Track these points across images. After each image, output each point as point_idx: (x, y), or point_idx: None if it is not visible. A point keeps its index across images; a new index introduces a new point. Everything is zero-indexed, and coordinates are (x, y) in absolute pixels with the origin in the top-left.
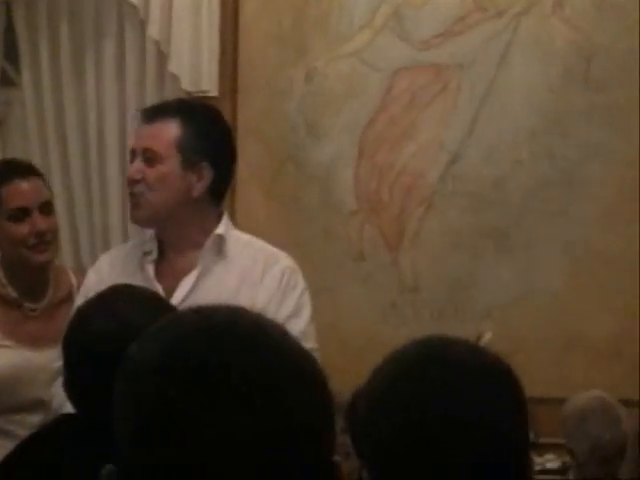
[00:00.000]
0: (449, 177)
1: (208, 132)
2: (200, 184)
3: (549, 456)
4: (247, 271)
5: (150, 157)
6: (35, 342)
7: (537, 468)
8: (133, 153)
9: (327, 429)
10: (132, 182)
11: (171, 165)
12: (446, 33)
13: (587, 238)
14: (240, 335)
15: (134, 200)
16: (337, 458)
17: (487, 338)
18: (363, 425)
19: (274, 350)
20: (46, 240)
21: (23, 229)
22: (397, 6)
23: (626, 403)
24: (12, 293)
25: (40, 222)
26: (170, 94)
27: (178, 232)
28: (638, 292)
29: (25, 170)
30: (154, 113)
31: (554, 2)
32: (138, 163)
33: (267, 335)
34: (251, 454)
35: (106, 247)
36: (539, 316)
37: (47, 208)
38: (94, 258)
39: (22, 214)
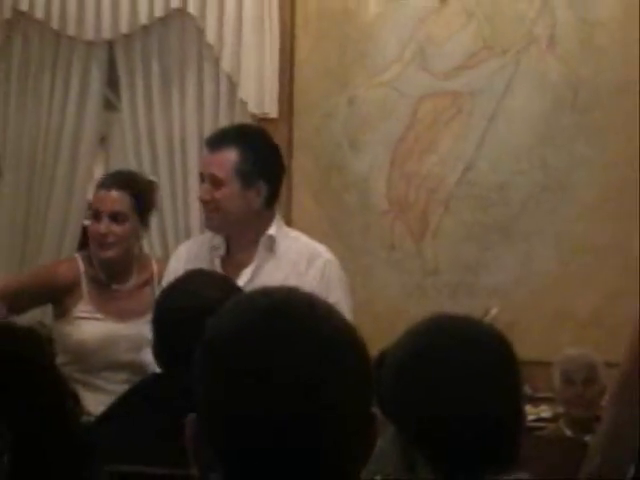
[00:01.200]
0: (463, 183)
1: (262, 155)
2: (258, 198)
3: (543, 407)
4: (294, 264)
5: (215, 181)
6: (120, 316)
7: (533, 418)
8: (202, 176)
9: (369, 385)
10: (203, 201)
11: (232, 188)
12: (461, 66)
13: (574, 232)
14: (297, 306)
15: (207, 214)
16: (375, 410)
17: (493, 313)
18: (390, 388)
19: (325, 317)
20: (107, 242)
21: (94, 228)
22: (422, 44)
23: (608, 365)
24: (102, 276)
25: (104, 227)
26: (239, 116)
27: (240, 234)
28: (616, 274)
29: (112, 182)
30: (216, 142)
31: (548, 43)
32: (206, 186)
33: (318, 306)
34: (312, 400)
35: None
36: (535, 294)
37: (116, 217)
38: None
39: (96, 216)
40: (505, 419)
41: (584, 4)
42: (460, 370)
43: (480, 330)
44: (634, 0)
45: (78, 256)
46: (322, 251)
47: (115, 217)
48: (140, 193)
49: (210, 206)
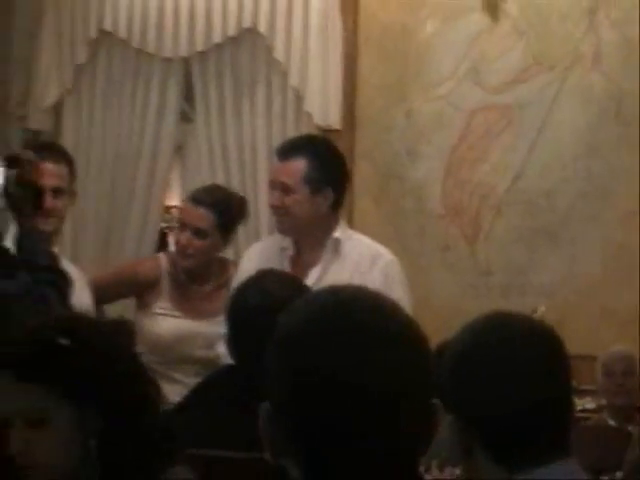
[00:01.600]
0: (513, 190)
1: (328, 164)
2: (325, 204)
3: (587, 399)
4: (357, 264)
5: (285, 188)
6: (197, 315)
7: (578, 409)
8: (272, 184)
9: (430, 377)
10: (273, 207)
11: (301, 194)
12: (511, 81)
13: (615, 236)
14: (364, 303)
15: (277, 219)
16: (436, 401)
17: (541, 311)
18: (449, 380)
19: (390, 314)
20: (187, 253)
21: (178, 237)
22: (475, 61)
23: None
24: (182, 277)
25: (186, 239)
26: (305, 127)
27: (308, 236)
28: None
29: (201, 199)
30: (286, 152)
31: (593, 59)
32: (276, 193)
33: (384, 303)
34: (380, 393)
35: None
36: (580, 294)
37: (198, 232)
38: None
39: (181, 227)
40: (559, 409)
41: (626, 24)
42: (516, 363)
43: (534, 326)
44: None
45: (162, 255)
46: (384, 252)
47: (197, 232)
48: (226, 212)
49: (280, 211)
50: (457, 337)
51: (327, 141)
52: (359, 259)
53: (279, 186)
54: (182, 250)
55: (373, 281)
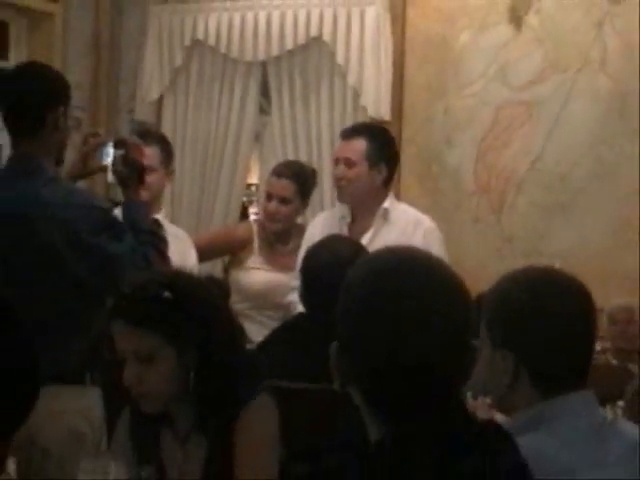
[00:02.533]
0: (533, 171)
1: (383, 145)
2: (379, 178)
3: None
4: (403, 230)
5: (348, 163)
6: (282, 268)
7: None
8: (337, 160)
9: (472, 320)
10: (337, 179)
11: (362, 168)
12: (532, 82)
13: (620, 211)
14: (418, 258)
15: (339, 190)
16: (474, 341)
17: (557, 267)
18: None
19: (440, 266)
20: (275, 218)
21: (266, 206)
22: (501, 65)
23: None
24: (270, 238)
25: (273, 207)
26: (361, 119)
27: (363, 206)
28: None
29: (283, 171)
30: (350, 133)
31: (600, 63)
32: (341, 167)
33: (433, 258)
34: (435, 332)
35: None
36: (589, 257)
37: (283, 200)
38: None
39: (269, 197)
40: (587, 351)
41: (629, 33)
42: (565, 313)
43: (573, 280)
44: None
45: (253, 221)
46: (425, 219)
47: (283, 200)
48: (304, 181)
49: (342, 182)
50: (508, 287)
51: (383, 127)
52: (404, 225)
53: (343, 161)
54: (271, 216)
55: (416, 243)
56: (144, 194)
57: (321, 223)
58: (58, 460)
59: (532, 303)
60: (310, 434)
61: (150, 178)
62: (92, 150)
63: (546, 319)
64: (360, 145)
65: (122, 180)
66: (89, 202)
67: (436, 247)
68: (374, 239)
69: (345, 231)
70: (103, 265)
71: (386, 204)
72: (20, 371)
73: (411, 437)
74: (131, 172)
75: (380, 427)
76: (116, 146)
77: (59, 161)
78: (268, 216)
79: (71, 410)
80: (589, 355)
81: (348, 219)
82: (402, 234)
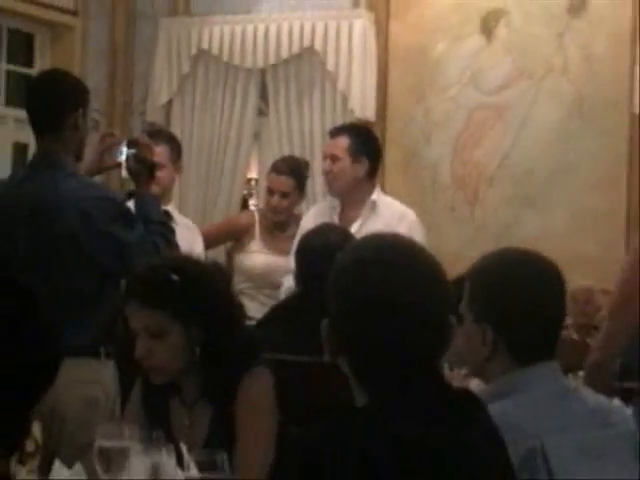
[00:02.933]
0: (502, 167)
1: (365, 141)
2: (362, 170)
3: None
4: (388, 221)
5: (333, 158)
6: (280, 252)
7: None
8: (324, 156)
9: (450, 299)
10: (325, 173)
11: (345, 162)
12: (501, 86)
13: (579, 201)
14: (402, 244)
15: (328, 182)
16: (452, 317)
17: None
18: (490, 299)
19: (422, 251)
20: (277, 211)
21: (269, 201)
22: (474, 72)
23: (603, 291)
24: (270, 225)
25: (276, 201)
26: (349, 119)
27: (351, 197)
28: (609, 229)
29: (281, 169)
30: (335, 132)
31: (562, 70)
32: (328, 162)
33: (416, 244)
34: (420, 308)
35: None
36: (553, 243)
37: (284, 195)
38: None
39: (270, 192)
40: (558, 324)
41: (586, 44)
42: (526, 280)
43: (547, 261)
44: (622, 39)
45: (254, 210)
46: (409, 213)
47: (283, 195)
48: (300, 175)
49: (330, 176)
50: (488, 266)
51: (365, 126)
52: (390, 217)
53: (329, 157)
54: (274, 209)
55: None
56: (155, 188)
57: (314, 213)
58: (76, 425)
59: (509, 280)
60: (303, 401)
61: (160, 174)
62: (108, 149)
63: (522, 294)
64: (343, 142)
65: (134, 176)
66: (104, 194)
67: (419, 238)
68: (362, 228)
69: (336, 220)
70: (116, 250)
71: (374, 196)
72: (43, 350)
73: (394, 403)
74: (142, 168)
75: (365, 394)
76: (129, 145)
77: (78, 158)
78: (271, 209)
79: (87, 380)
80: (559, 327)
81: (338, 209)
82: (387, 225)
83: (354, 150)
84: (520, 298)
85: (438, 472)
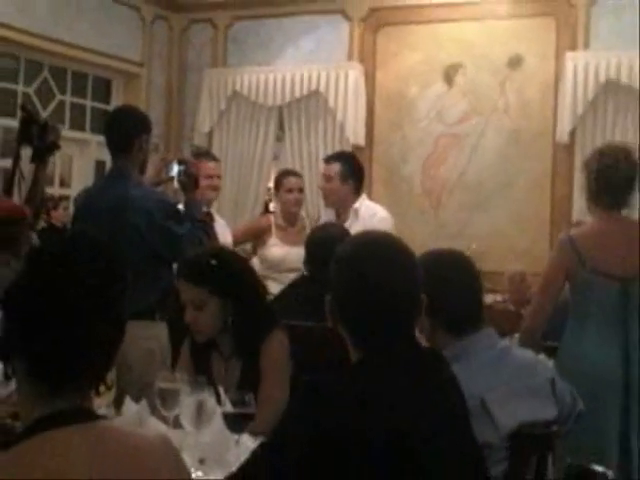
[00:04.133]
0: (459, 181)
1: (352, 166)
2: (349, 189)
3: (497, 295)
4: (365, 221)
5: (327, 179)
6: (292, 243)
7: (494, 300)
8: (322, 177)
9: (419, 281)
10: (322, 189)
11: (336, 182)
12: (459, 120)
13: (517, 207)
14: (386, 238)
15: (324, 196)
16: (423, 296)
17: (472, 248)
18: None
19: (400, 241)
20: (297, 203)
21: (288, 197)
22: (439, 109)
23: (534, 274)
24: (283, 224)
25: (293, 196)
26: (345, 145)
27: (341, 207)
28: (535, 228)
29: (298, 174)
30: (328, 159)
31: (504, 109)
32: (324, 181)
33: (395, 237)
34: (402, 288)
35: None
36: (497, 239)
37: (301, 190)
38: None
39: (290, 190)
40: (480, 302)
41: (521, 90)
42: (453, 270)
43: (464, 257)
44: (548, 86)
45: (269, 215)
46: (380, 211)
47: (300, 190)
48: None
49: (325, 192)
50: (427, 263)
51: (352, 154)
52: (366, 217)
53: (325, 177)
54: (295, 202)
55: (372, 227)
56: (212, 194)
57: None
58: (138, 373)
59: (437, 273)
60: (311, 356)
61: (218, 182)
62: (164, 166)
63: (449, 282)
64: (336, 167)
65: (183, 186)
66: (162, 198)
67: (387, 229)
68: (349, 229)
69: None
70: (170, 241)
71: (356, 205)
72: (123, 309)
73: (381, 358)
74: (189, 181)
75: (359, 352)
76: (179, 163)
77: (142, 171)
78: (293, 202)
79: (147, 336)
80: (480, 304)
81: (333, 217)
82: (364, 224)
83: (343, 173)
84: (446, 284)
85: (416, 406)
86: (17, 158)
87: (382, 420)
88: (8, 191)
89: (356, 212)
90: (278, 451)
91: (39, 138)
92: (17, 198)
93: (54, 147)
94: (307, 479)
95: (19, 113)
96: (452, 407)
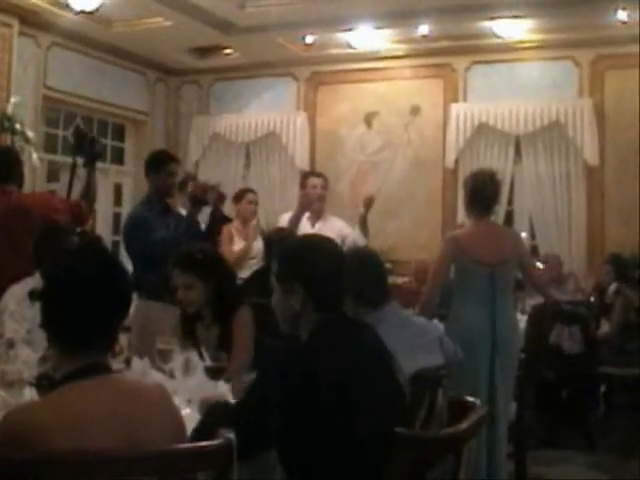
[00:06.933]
0: (378, 194)
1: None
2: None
3: (405, 278)
4: (333, 223)
5: (322, 187)
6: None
7: (403, 281)
8: (313, 185)
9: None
10: (319, 196)
11: (324, 190)
12: (376, 152)
13: (421, 214)
14: (320, 238)
15: (315, 202)
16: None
17: (388, 244)
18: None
19: (331, 242)
20: (322, 199)
21: (312, 194)
22: (361, 143)
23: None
24: (240, 226)
25: (316, 191)
26: (294, 171)
27: (319, 211)
28: (434, 226)
29: (318, 174)
30: (319, 174)
31: (407, 143)
32: (320, 190)
33: (328, 239)
34: (337, 272)
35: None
36: (406, 237)
37: (323, 187)
38: None
39: (314, 187)
40: (385, 281)
41: (420, 129)
42: (366, 260)
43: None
44: (438, 127)
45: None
46: (337, 219)
47: (322, 187)
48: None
49: (321, 197)
50: (350, 257)
51: (320, 174)
52: (334, 221)
53: (320, 187)
54: (319, 198)
55: (332, 227)
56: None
57: (288, 216)
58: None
59: (356, 263)
60: (270, 323)
61: (321, 192)
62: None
63: (364, 269)
64: (322, 180)
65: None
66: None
67: (348, 229)
68: (322, 227)
69: (310, 223)
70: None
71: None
72: (129, 285)
73: (332, 321)
74: (197, 202)
75: (316, 318)
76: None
77: (165, 194)
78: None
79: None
80: (386, 283)
81: (313, 219)
82: (334, 226)
83: (326, 185)
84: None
85: (355, 353)
86: (74, 165)
87: (331, 361)
88: (69, 190)
89: (325, 217)
90: (260, 387)
91: (90, 149)
92: (74, 195)
93: (100, 155)
94: (281, 407)
95: (71, 139)
96: (380, 354)
